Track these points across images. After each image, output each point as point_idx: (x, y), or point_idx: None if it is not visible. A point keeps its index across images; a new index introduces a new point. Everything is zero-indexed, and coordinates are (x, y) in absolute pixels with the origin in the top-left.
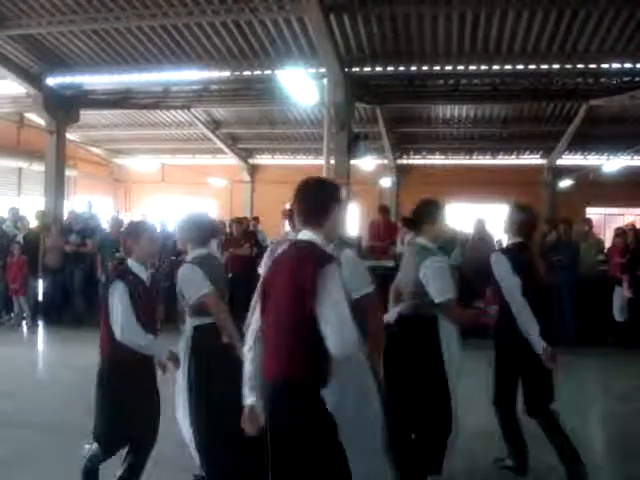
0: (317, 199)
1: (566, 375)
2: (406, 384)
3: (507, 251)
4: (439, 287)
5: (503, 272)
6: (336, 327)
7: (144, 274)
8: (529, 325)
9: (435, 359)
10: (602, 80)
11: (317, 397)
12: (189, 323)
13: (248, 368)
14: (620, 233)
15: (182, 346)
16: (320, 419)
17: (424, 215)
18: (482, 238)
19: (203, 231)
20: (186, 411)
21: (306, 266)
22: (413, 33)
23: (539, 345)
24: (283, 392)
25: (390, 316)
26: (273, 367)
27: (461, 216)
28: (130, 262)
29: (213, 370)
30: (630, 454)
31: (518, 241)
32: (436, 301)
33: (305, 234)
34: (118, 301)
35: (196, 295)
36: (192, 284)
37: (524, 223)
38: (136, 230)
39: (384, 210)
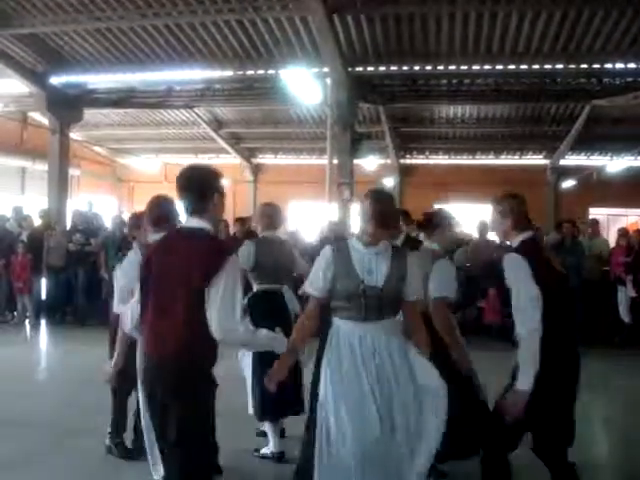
0: (200, 188)
1: None
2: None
3: (524, 252)
4: (439, 283)
5: (521, 280)
6: (219, 313)
7: None
8: (529, 358)
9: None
10: (606, 80)
11: (204, 375)
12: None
13: None
14: (624, 233)
15: None
16: (205, 395)
17: (439, 222)
18: (485, 240)
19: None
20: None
21: (205, 254)
22: (416, 33)
23: (524, 384)
24: (170, 369)
25: None
26: (159, 345)
27: (463, 216)
28: None
29: None
30: (638, 455)
31: (529, 237)
32: (431, 296)
33: (191, 221)
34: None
35: None
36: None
37: (524, 211)
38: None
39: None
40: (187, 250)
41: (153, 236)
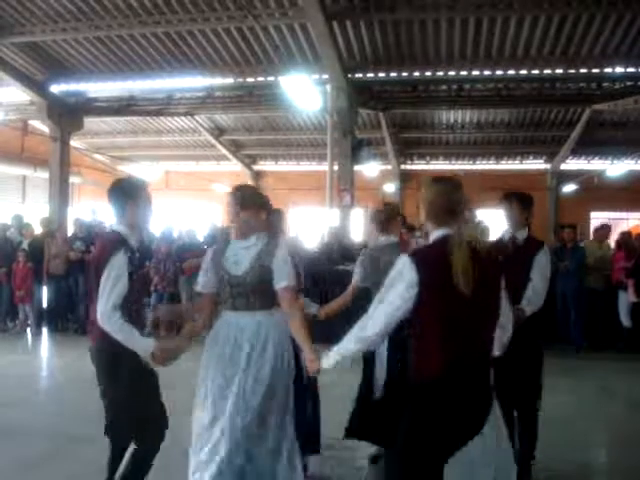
0: (116, 197)
1: (574, 380)
2: None
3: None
4: None
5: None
6: (100, 300)
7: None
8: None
9: None
10: (605, 85)
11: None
12: None
13: None
14: (626, 237)
15: None
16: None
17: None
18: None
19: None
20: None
21: (101, 251)
22: (416, 38)
23: None
24: (98, 355)
25: None
26: (91, 335)
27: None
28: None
29: None
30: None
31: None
32: None
33: (114, 225)
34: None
35: None
36: None
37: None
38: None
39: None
40: (96, 250)
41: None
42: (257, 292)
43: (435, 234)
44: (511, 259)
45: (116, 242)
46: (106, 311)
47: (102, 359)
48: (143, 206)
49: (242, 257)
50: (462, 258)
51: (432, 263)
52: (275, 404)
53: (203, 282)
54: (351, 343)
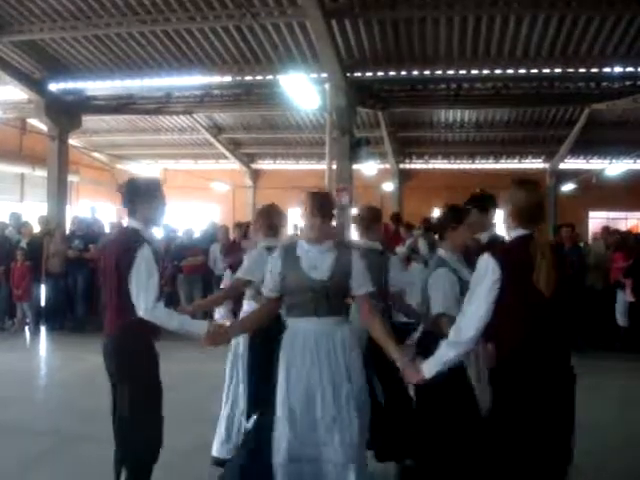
0: (132, 195)
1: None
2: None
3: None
4: (434, 299)
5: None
6: (135, 294)
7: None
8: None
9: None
10: (604, 84)
11: (143, 344)
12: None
13: None
14: (624, 237)
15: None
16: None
17: (450, 220)
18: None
19: None
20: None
21: (122, 246)
22: (415, 37)
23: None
24: (117, 340)
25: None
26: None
27: None
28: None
29: None
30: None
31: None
32: (432, 312)
33: (129, 222)
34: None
35: None
36: None
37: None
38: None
39: (395, 218)
40: (113, 245)
41: (264, 242)
42: (338, 297)
43: (514, 233)
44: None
45: (138, 237)
46: (150, 304)
47: (120, 355)
48: (158, 204)
49: (320, 262)
50: (547, 265)
51: (513, 261)
52: (355, 404)
53: (272, 286)
54: (450, 351)
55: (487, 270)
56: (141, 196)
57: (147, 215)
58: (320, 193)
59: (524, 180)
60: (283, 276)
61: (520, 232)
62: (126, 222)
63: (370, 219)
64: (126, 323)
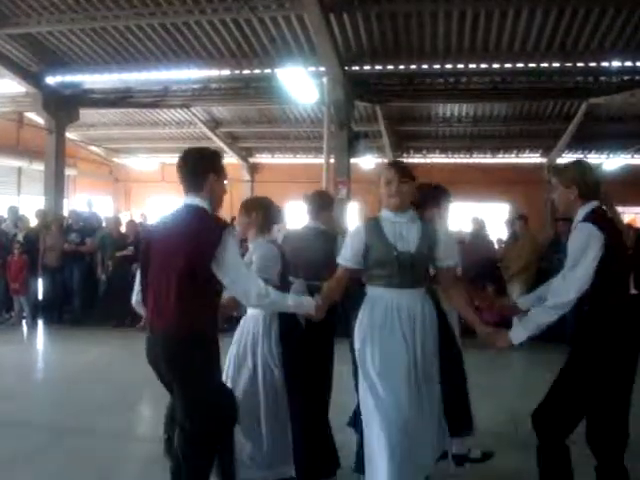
0: (196, 167)
1: None
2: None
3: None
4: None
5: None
6: (241, 283)
7: None
8: (540, 320)
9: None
10: (602, 78)
11: (205, 344)
12: None
13: None
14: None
15: None
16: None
17: (429, 199)
18: (480, 237)
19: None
20: None
21: (205, 228)
22: (413, 31)
23: (518, 337)
24: (173, 341)
25: None
26: (161, 320)
27: (460, 215)
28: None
29: None
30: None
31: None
32: None
33: (190, 199)
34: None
35: None
36: None
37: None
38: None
39: None
40: (181, 227)
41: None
42: (422, 269)
43: (588, 207)
44: None
45: (217, 218)
46: (263, 290)
47: (179, 348)
48: (222, 180)
49: (406, 232)
50: (622, 221)
51: (608, 227)
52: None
53: (350, 256)
54: (548, 315)
55: (591, 237)
56: (209, 169)
57: (213, 193)
58: (398, 161)
59: (582, 160)
60: (367, 248)
61: (593, 204)
62: (189, 200)
63: (321, 203)
64: (191, 312)
